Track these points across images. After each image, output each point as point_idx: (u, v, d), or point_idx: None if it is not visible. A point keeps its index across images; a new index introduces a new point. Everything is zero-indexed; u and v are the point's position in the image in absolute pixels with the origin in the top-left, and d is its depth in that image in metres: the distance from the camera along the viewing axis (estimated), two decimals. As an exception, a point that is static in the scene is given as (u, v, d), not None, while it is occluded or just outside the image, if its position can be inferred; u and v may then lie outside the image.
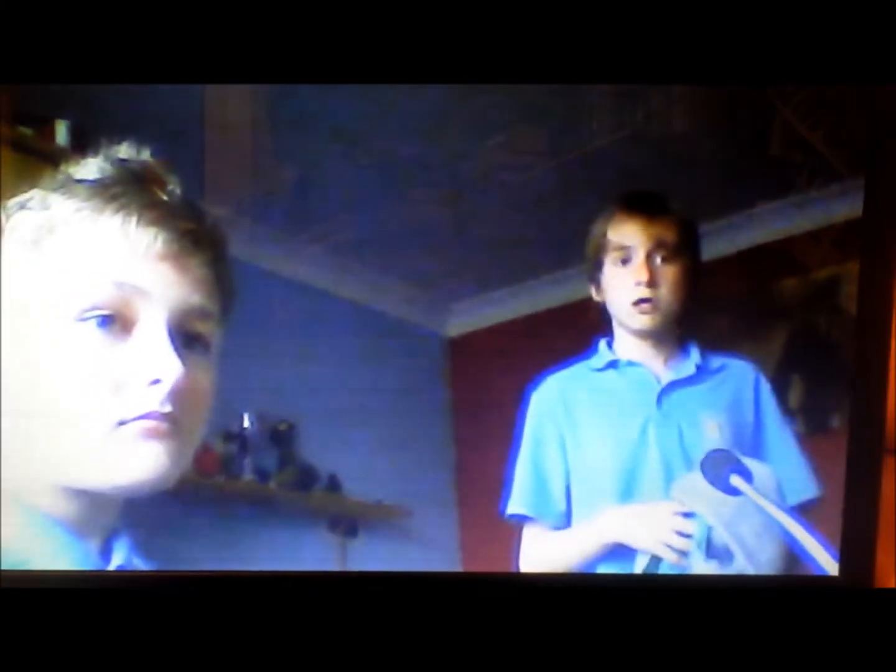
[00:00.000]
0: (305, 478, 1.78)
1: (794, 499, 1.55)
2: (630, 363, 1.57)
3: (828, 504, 1.57)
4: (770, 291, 1.62)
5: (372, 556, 1.71)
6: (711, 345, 1.58)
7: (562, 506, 1.59)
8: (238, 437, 1.73)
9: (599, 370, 1.58)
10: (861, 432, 1.56)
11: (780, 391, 1.62)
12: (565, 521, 1.58)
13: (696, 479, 1.52)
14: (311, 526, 1.73)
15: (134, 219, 1.08)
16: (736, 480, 1.53)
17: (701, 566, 1.51)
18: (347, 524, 1.72)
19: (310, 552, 1.71)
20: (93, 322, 1.05)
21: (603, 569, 1.55)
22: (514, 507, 1.61)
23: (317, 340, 1.64)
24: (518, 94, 1.54)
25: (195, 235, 1.12)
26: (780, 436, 1.58)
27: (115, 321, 1.07)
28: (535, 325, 1.62)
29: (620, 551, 1.56)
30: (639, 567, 1.53)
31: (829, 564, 1.54)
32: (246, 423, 1.72)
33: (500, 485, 1.63)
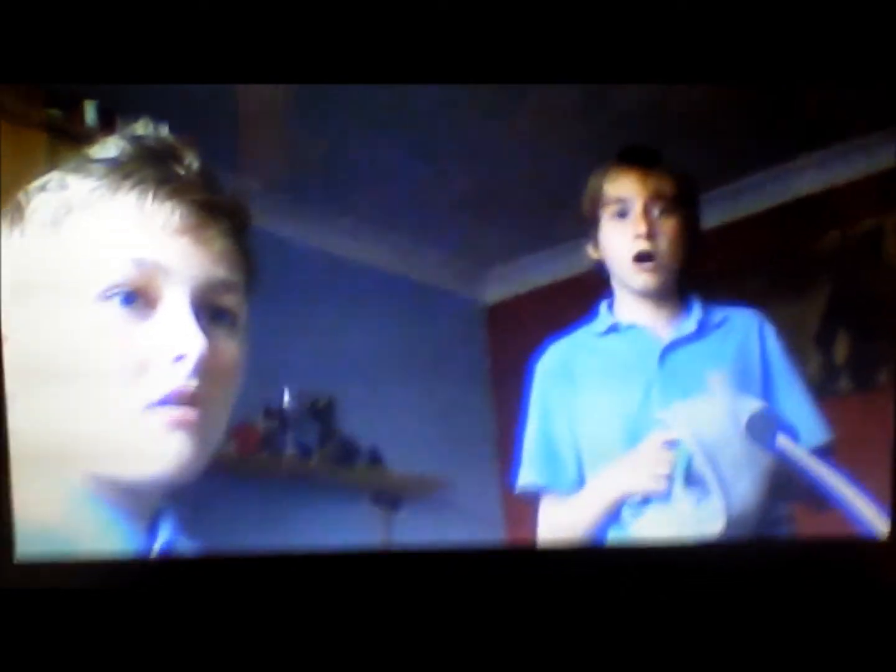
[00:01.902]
0: (347, 452, 1.78)
1: (807, 444, 1.53)
2: (631, 326, 1.54)
3: (877, 463, 1.55)
4: (811, 245, 1.59)
5: (416, 528, 1.70)
6: (735, 300, 1.55)
7: (573, 473, 1.57)
8: (278, 414, 1.73)
9: (601, 334, 1.56)
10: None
11: (825, 347, 1.60)
12: (578, 487, 1.56)
13: (683, 407, 1.50)
14: (354, 500, 1.73)
15: (150, 195, 1.07)
16: (783, 440, 1.51)
17: (679, 495, 1.49)
18: (390, 497, 1.71)
19: (353, 526, 1.71)
20: (116, 300, 1.04)
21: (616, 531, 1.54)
22: (526, 477, 1.60)
23: (353, 313, 1.63)
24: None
25: (213, 207, 1.10)
26: (789, 382, 1.55)
27: (138, 298, 1.06)
28: (574, 288, 1.60)
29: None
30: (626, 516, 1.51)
31: (879, 523, 1.51)
32: (286, 400, 1.72)
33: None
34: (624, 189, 1.53)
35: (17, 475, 1.20)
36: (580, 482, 1.56)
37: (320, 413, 1.75)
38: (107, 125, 1.54)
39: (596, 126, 1.55)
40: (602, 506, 1.54)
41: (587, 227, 1.56)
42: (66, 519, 1.10)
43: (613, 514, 1.54)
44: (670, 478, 1.50)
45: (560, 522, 1.57)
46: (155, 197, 1.08)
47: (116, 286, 1.04)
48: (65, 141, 1.51)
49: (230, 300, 1.14)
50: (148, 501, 1.17)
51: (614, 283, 1.56)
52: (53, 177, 1.13)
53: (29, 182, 1.38)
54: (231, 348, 1.14)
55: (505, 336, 1.67)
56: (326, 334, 1.63)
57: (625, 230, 1.53)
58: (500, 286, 1.70)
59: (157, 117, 1.48)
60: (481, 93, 1.53)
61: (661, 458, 1.51)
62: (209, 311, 1.10)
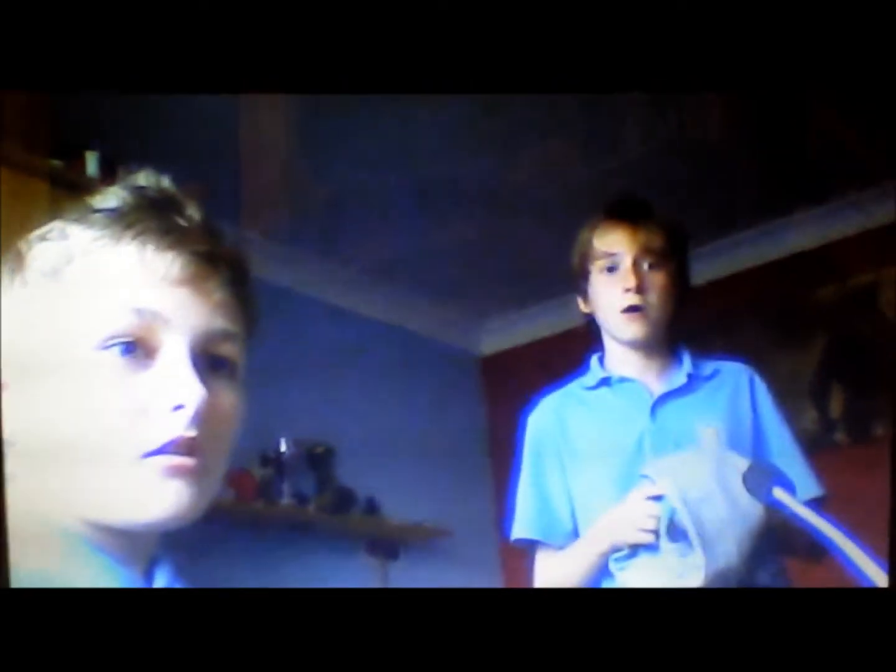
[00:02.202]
0: (343, 501, 1.76)
1: (799, 498, 1.52)
2: (622, 379, 1.54)
3: (874, 515, 1.55)
4: (807, 298, 1.60)
5: (413, 578, 1.70)
6: (729, 352, 1.56)
7: (567, 526, 1.56)
8: (275, 462, 1.72)
9: (592, 388, 1.56)
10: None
11: (821, 400, 1.60)
12: (573, 540, 1.56)
13: (670, 461, 1.49)
14: (351, 549, 1.72)
15: (150, 245, 1.08)
16: (779, 493, 1.51)
17: (665, 548, 1.48)
18: (387, 547, 1.71)
19: (350, 575, 1.71)
20: (115, 350, 1.05)
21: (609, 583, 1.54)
22: (521, 531, 1.58)
23: (351, 362, 1.64)
24: (548, 108, 1.54)
25: (213, 258, 1.10)
26: (780, 435, 1.54)
27: (137, 348, 1.06)
28: (569, 341, 1.61)
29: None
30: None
31: (878, 576, 1.51)
32: (283, 448, 1.71)
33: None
34: (613, 243, 1.52)
35: (13, 519, 1.21)
36: (574, 535, 1.56)
37: (317, 461, 1.74)
38: (108, 175, 1.56)
39: (595, 176, 1.57)
40: (593, 557, 1.53)
41: (577, 280, 1.56)
42: (61, 565, 1.11)
43: (605, 566, 1.54)
44: (656, 532, 1.49)
45: (554, 575, 1.57)
46: (156, 247, 1.08)
47: (116, 336, 1.05)
48: (66, 190, 1.52)
49: (229, 350, 1.13)
50: (144, 548, 1.17)
51: (604, 337, 1.56)
52: (55, 226, 1.14)
53: (30, 230, 1.39)
54: (230, 397, 1.14)
55: (500, 386, 1.68)
56: (324, 383, 1.64)
57: (614, 284, 1.52)
58: (495, 337, 1.71)
59: (159, 167, 1.50)
60: (481, 139, 1.55)
61: (647, 511, 1.50)
62: (208, 360, 1.10)
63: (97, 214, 1.08)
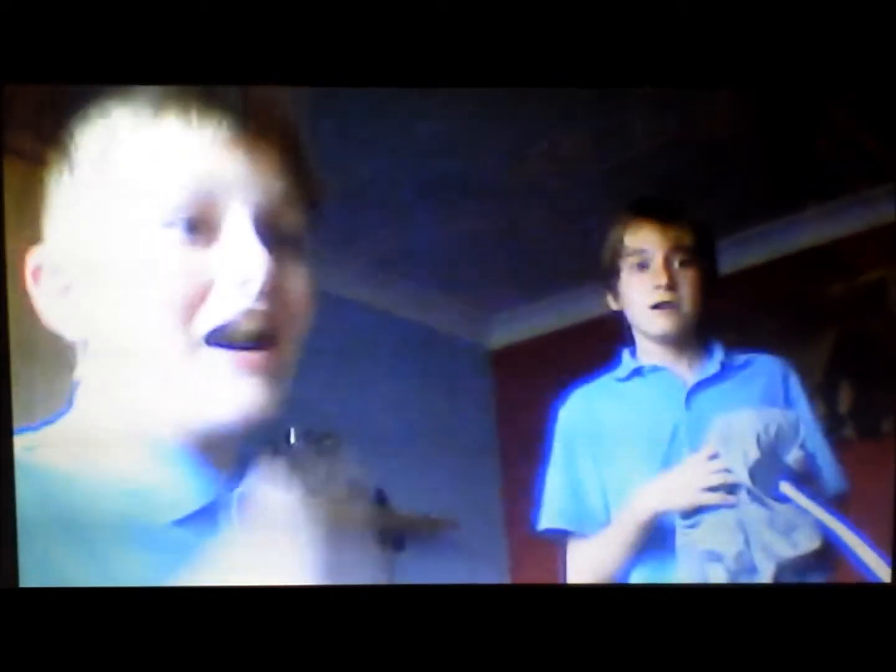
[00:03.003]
0: (352, 492, 1.78)
1: (827, 491, 1.54)
2: (654, 368, 1.56)
3: (880, 510, 1.55)
4: (817, 295, 1.60)
5: (419, 569, 1.70)
6: (748, 346, 1.56)
7: (602, 516, 1.58)
8: (285, 453, 1.73)
9: (624, 379, 1.57)
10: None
11: (829, 396, 1.60)
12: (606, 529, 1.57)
13: (730, 423, 1.51)
14: (359, 540, 1.73)
15: (194, 109, 1.05)
16: (785, 487, 1.52)
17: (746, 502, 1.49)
18: (395, 538, 1.72)
19: (358, 567, 1.71)
20: (178, 228, 1.02)
21: (642, 569, 1.54)
22: (551, 521, 1.60)
23: (360, 354, 1.64)
24: (558, 102, 1.54)
25: (261, 118, 1.07)
26: (812, 429, 1.56)
27: (201, 223, 1.02)
28: (580, 335, 1.61)
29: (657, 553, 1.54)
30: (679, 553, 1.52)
31: (881, 570, 1.51)
32: (292, 439, 1.72)
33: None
34: (644, 241, 1.55)
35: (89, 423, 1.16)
36: (608, 525, 1.57)
37: (326, 452, 1.76)
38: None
39: (606, 171, 1.57)
40: (632, 532, 1.55)
41: (607, 277, 1.58)
42: (145, 469, 1.08)
43: (639, 551, 1.55)
44: (732, 488, 1.51)
45: (589, 563, 1.58)
46: (200, 110, 1.04)
47: (177, 214, 1.01)
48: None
49: (292, 220, 1.09)
50: (229, 446, 1.15)
51: (635, 332, 1.58)
52: (94, 106, 1.09)
53: (40, 221, 1.39)
54: (298, 272, 1.10)
55: (510, 380, 1.68)
56: (333, 375, 1.64)
57: (645, 281, 1.55)
58: (506, 331, 1.71)
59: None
60: (492, 133, 1.55)
61: (711, 469, 1.52)
62: (273, 234, 1.06)
63: (136, 88, 1.05)
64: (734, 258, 1.58)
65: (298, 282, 1.06)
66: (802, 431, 1.56)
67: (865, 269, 1.61)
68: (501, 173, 1.60)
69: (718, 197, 1.56)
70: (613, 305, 1.58)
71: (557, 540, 1.61)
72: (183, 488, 1.08)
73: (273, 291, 1.02)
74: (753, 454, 1.50)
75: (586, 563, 1.60)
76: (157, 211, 1.00)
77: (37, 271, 1.03)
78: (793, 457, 1.52)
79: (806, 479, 1.53)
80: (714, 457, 1.53)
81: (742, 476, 1.50)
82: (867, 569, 1.52)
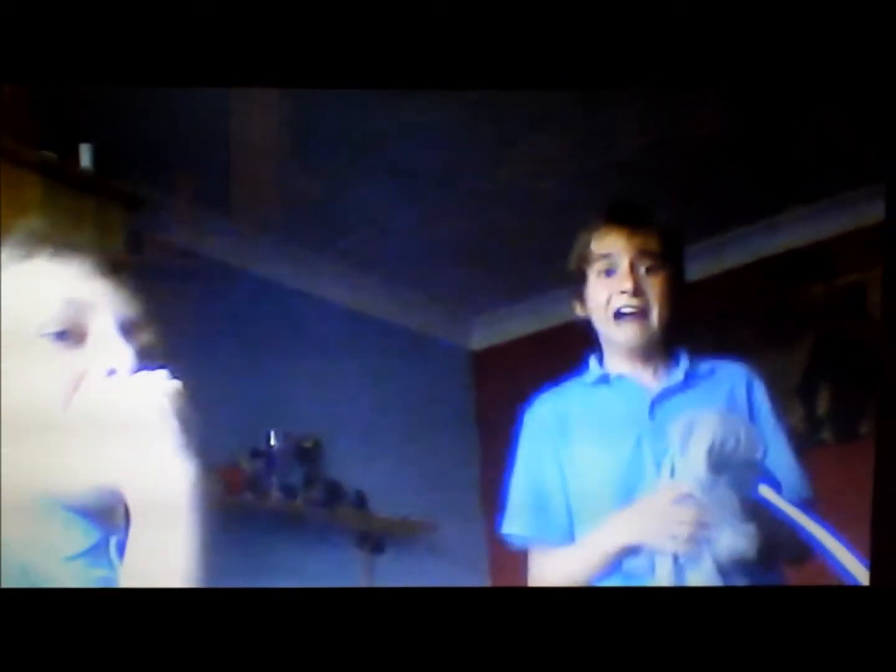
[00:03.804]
0: (332, 494, 1.78)
1: (790, 497, 1.54)
2: (620, 376, 1.56)
3: (858, 513, 1.56)
4: (796, 298, 1.61)
5: (399, 571, 1.70)
6: (725, 351, 1.57)
7: (563, 524, 1.57)
8: (265, 455, 1.73)
9: (591, 385, 1.57)
10: (890, 439, 1.54)
11: (808, 399, 1.61)
12: (568, 538, 1.57)
13: (691, 462, 1.51)
14: (339, 542, 1.73)
15: (60, 247, 1.24)
16: (764, 490, 1.52)
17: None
18: (374, 540, 1.71)
19: (337, 569, 1.71)
20: (49, 338, 1.18)
21: (619, 580, 1.54)
22: (512, 527, 1.59)
23: (340, 355, 1.64)
24: (539, 103, 1.54)
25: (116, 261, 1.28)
26: (775, 435, 1.56)
27: (70, 332, 1.20)
28: (561, 337, 1.61)
29: (635, 563, 1.54)
30: (659, 572, 1.52)
31: (860, 573, 1.52)
32: (272, 441, 1.72)
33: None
34: (611, 246, 1.55)
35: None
36: (570, 533, 1.56)
37: (306, 455, 1.75)
38: (102, 168, 1.56)
39: (584, 175, 1.58)
40: (600, 559, 1.55)
41: (575, 283, 1.58)
42: (41, 530, 1.16)
43: (609, 568, 1.54)
44: (691, 539, 1.50)
45: (552, 574, 1.57)
46: (65, 248, 1.23)
47: (50, 326, 1.18)
48: (60, 183, 1.52)
49: (147, 337, 1.26)
50: (111, 515, 1.22)
51: (601, 339, 1.57)
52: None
53: (23, 221, 1.39)
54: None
55: (491, 382, 1.68)
56: (313, 376, 1.64)
57: (611, 287, 1.55)
58: (487, 333, 1.71)
59: (152, 157, 1.50)
60: (472, 144, 1.56)
61: (680, 514, 1.51)
62: (134, 336, 1.21)
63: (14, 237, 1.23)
64: (712, 261, 1.59)
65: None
66: (764, 439, 1.55)
67: (845, 271, 1.61)
68: (483, 175, 1.60)
69: (700, 198, 1.57)
70: (579, 311, 1.58)
71: (519, 545, 1.61)
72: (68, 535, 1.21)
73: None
74: (714, 456, 1.50)
75: (550, 573, 1.60)
76: (35, 323, 1.18)
77: None
78: (756, 462, 1.52)
79: (773, 486, 1.53)
80: (683, 498, 1.52)
81: (702, 478, 1.50)
82: (846, 572, 1.53)
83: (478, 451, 1.71)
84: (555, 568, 1.57)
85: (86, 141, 1.53)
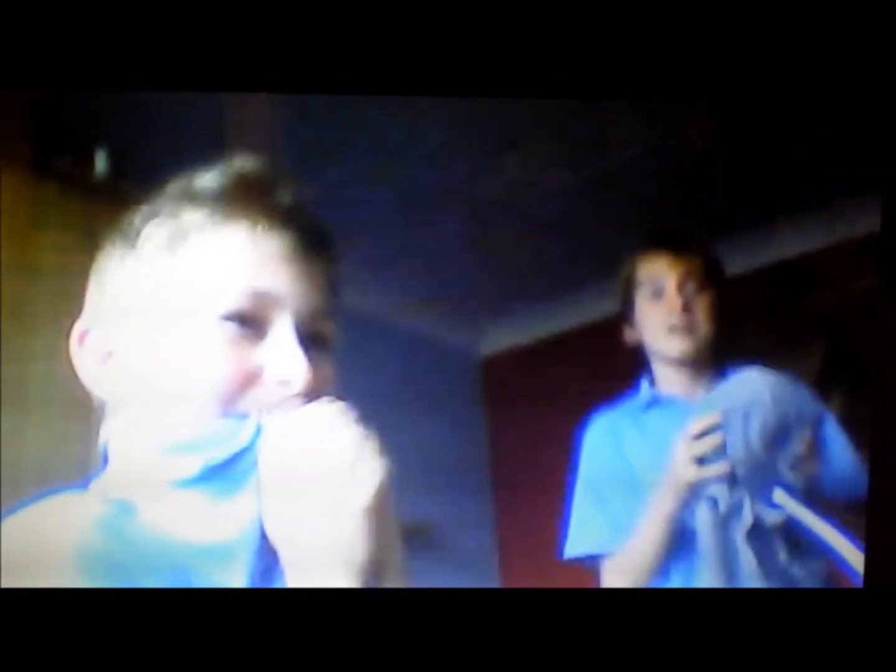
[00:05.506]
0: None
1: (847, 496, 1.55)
2: (671, 398, 1.59)
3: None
4: (807, 304, 1.61)
5: (409, 574, 1.71)
6: (748, 363, 1.57)
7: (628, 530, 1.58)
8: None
9: (643, 408, 1.61)
10: (887, 442, 1.53)
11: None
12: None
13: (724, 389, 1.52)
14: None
15: (260, 225, 1.11)
16: (780, 495, 1.52)
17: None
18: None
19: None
20: (232, 323, 1.08)
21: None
22: (581, 547, 1.60)
23: (348, 362, 1.66)
24: (534, 112, 1.55)
25: (314, 236, 1.14)
26: (837, 437, 1.58)
27: (251, 324, 1.09)
28: (565, 345, 1.63)
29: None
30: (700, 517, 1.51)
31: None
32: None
33: (538, 503, 1.63)
34: (657, 270, 1.60)
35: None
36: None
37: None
38: (117, 174, 1.59)
39: (581, 181, 1.60)
40: (655, 538, 1.56)
41: (622, 310, 1.63)
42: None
43: (675, 551, 1.55)
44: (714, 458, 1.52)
45: (621, 575, 1.59)
46: (264, 227, 1.11)
47: (234, 312, 1.07)
48: (75, 188, 1.55)
49: (328, 327, 1.17)
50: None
51: (652, 360, 1.61)
52: (164, 204, 1.15)
53: (37, 229, 1.42)
54: (327, 371, 1.16)
55: (498, 388, 1.69)
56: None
57: (660, 307, 1.60)
58: (494, 339, 1.72)
59: (149, 164, 1.52)
60: (468, 143, 1.57)
61: (702, 444, 1.53)
62: (311, 337, 1.12)
63: (204, 193, 1.14)
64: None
65: (326, 380, 1.16)
66: (824, 436, 1.58)
67: (857, 277, 1.61)
68: (483, 182, 1.62)
69: (700, 205, 1.58)
70: (629, 337, 1.63)
71: (589, 564, 1.63)
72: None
73: (305, 391, 1.11)
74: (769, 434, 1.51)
75: (618, 577, 1.61)
76: (217, 305, 1.09)
77: (83, 335, 1.11)
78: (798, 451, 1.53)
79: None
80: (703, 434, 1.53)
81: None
82: (856, 574, 1.52)
83: (488, 455, 1.72)
84: (624, 572, 1.58)
85: (100, 146, 1.55)
